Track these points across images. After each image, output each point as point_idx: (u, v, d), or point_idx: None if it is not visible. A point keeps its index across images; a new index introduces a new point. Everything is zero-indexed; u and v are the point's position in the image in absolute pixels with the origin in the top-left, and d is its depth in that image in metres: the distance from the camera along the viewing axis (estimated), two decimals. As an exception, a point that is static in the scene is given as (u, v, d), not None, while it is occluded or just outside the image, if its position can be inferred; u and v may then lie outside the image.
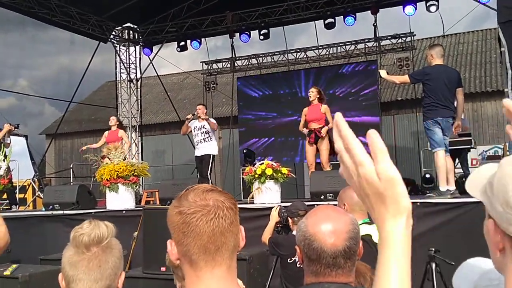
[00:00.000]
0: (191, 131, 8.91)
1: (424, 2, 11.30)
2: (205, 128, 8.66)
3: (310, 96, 7.84)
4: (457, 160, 7.81)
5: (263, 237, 4.18)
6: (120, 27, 13.84)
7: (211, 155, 8.66)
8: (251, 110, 13.75)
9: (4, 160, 7.97)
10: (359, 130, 1.23)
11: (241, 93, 13.89)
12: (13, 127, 8.84)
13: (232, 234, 1.21)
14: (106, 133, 9.70)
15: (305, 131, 7.84)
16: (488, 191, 0.87)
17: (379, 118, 12.43)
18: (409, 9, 11.43)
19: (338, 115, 0.85)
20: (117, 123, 9.70)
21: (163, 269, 4.58)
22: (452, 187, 5.74)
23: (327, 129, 7.50)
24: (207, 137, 8.69)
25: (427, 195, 6.36)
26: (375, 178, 0.81)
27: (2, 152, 8.02)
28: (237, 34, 13.15)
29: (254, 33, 12.94)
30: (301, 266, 1.74)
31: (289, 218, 4.00)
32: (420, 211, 5.36)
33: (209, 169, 8.57)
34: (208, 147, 8.67)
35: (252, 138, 13.62)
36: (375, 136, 0.81)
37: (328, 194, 6.21)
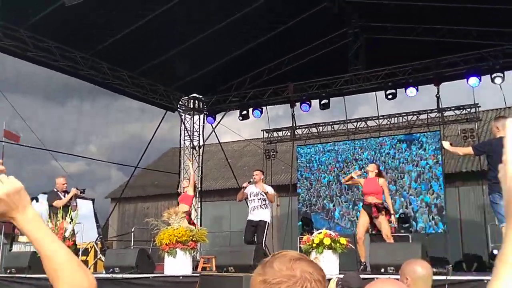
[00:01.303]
0: (247, 197, 8.91)
1: (489, 74, 11.16)
2: (262, 195, 8.64)
3: (369, 173, 7.89)
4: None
5: None
6: (186, 97, 14.51)
7: (267, 222, 8.59)
8: (310, 178, 13.72)
9: (70, 223, 8.28)
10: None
11: (300, 161, 13.95)
12: (79, 192, 9.23)
13: None
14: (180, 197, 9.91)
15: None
16: None
17: (443, 190, 12.04)
18: (473, 80, 11.25)
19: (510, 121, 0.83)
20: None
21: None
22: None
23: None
24: (263, 204, 8.66)
25: (495, 273, 6.00)
26: None
27: (69, 215, 8.34)
28: (297, 104, 13.41)
29: (315, 102, 13.14)
30: None
31: None
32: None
33: (264, 237, 8.49)
34: (264, 213, 8.63)
35: (311, 207, 13.51)
36: None
37: (389, 267, 6.00)
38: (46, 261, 1.16)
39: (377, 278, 2.27)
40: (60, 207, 8.39)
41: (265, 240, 8.51)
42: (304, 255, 1.23)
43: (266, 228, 8.55)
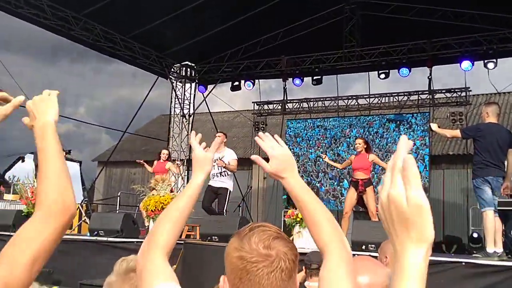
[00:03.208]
0: None
1: (482, 59, 11.20)
2: (222, 160, 8.15)
3: (357, 148, 7.92)
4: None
5: None
6: (178, 64, 14.40)
7: (228, 190, 8.30)
8: (298, 153, 13.79)
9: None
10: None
11: (289, 135, 13.99)
12: (64, 153, 9.22)
13: (289, 287, 1.20)
14: (155, 162, 9.96)
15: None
16: None
17: (428, 172, 12.18)
18: (465, 64, 11.30)
19: (403, 138, 0.87)
20: (167, 156, 9.98)
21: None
22: (500, 249, 5.53)
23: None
24: (224, 171, 8.26)
25: (473, 255, 6.15)
26: (404, 202, 0.81)
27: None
28: (290, 78, 13.37)
29: (307, 79, 13.14)
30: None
31: (303, 268, 3.88)
32: (465, 271, 5.18)
33: (225, 205, 8.27)
34: (224, 181, 8.31)
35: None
36: (411, 162, 0.81)
37: (370, 245, 6.09)
38: (38, 172, 1.23)
39: (356, 255, 2.32)
40: None
41: (226, 208, 8.33)
42: (281, 232, 1.26)
43: (227, 196, 8.29)
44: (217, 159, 7.88)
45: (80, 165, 13.48)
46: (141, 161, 10.53)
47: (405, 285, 0.81)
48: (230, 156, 8.35)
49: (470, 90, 12.33)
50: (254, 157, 1.61)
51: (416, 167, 0.81)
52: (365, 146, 7.89)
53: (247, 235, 1.21)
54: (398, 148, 0.85)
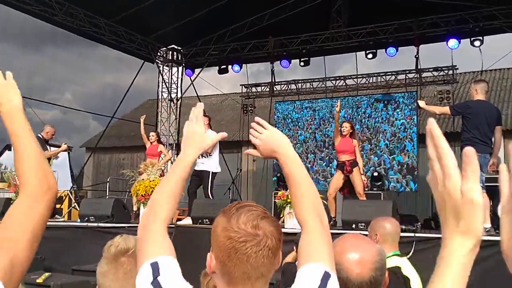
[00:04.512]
0: None
1: (469, 37, 11.23)
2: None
3: (343, 131, 7.99)
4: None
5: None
6: (164, 48, 14.25)
7: (210, 172, 8.22)
8: (287, 135, 13.80)
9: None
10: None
11: (278, 117, 13.99)
12: (68, 149, 9.17)
13: (274, 265, 1.25)
14: (149, 143, 9.82)
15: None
16: None
17: (416, 150, 12.26)
18: (452, 42, 11.34)
19: (432, 122, 0.87)
20: (157, 138, 9.89)
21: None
22: (488, 224, 5.62)
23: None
24: (205, 153, 7.96)
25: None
26: (458, 194, 0.81)
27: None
28: (277, 60, 13.32)
29: (295, 60, 13.11)
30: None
31: (294, 248, 3.89)
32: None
33: (210, 188, 8.21)
34: (206, 163, 8.21)
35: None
36: (472, 156, 0.82)
37: (360, 224, 6.15)
38: (15, 155, 1.26)
39: (346, 233, 2.34)
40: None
41: (211, 190, 8.27)
42: (267, 212, 1.30)
43: (210, 179, 8.22)
44: None
45: (69, 152, 13.40)
46: (143, 121, 10.06)
47: (446, 272, 0.83)
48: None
49: (457, 68, 12.38)
50: (246, 152, 1.64)
51: (476, 160, 0.81)
52: (351, 131, 8.01)
53: (234, 215, 1.24)
54: (435, 135, 0.85)
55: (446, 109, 6.26)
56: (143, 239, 1.37)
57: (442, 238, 0.85)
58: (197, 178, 8.32)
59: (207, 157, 8.21)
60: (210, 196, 8.24)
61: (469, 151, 0.81)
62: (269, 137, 1.53)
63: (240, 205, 1.28)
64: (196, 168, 8.26)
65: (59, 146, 9.50)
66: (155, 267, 1.26)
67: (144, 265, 1.28)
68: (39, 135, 8.78)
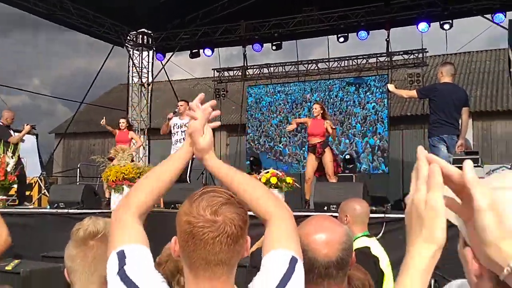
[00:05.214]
0: (171, 130, 8.51)
1: (438, 21, 11.35)
2: (187, 127, 8.03)
3: (314, 112, 8.02)
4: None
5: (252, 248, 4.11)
6: (134, 32, 14.01)
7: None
8: (260, 119, 13.79)
9: (12, 157, 8.05)
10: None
11: (251, 101, 13.96)
12: (32, 128, 8.95)
13: (235, 251, 1.23)
14: (117, 131, 9.74)
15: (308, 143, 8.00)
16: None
17: (387, 133, 12.42)
18: (422, 25, 11.45)
19: (421, 149, 0.90)
20: (127, 125, 9.79)
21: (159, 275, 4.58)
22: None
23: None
24: (184, 138, 8.09)
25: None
26: (423, 204, 0.85)
27: (11, 149, 8.11)
28: (250, 44, 13.25)
29: (267, 44, 13.06)
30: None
31: None
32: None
33: (189, 172, 8.17)
34: None
35: (259, 147, 13.66)
36: (436, 170, 0.85)
37: (331, 206, 6.20)
38: None
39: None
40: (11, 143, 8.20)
41: (189, 175, 8.23)
42: (233, 197, 1.28)
43: (190, 164, 8.04)
44: (184, 125, 7.97)
45: (37, 138, 13.14)
46: (104, 124, 10.25)
47: (408, 273, 0.86)
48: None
49: (427, 51, 12.54)
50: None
51: (441, 176, 0.85)
52: (321, 112, 8.01)
53: (197, 200, 1.23)
54: (419, 158, 0.89)
55: (413, 93, 6.34)
56: (113, 227, 1.36)
57: (406, 247, 0.89)
58: None
59: None
60: (188, 180, 8.20)
61: (434, 167, 0.86)
62: (209, 138, 1.56)
63: (205, 190, 1.26)
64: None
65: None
66: (121, 257, 1.25)
67: (112, 254, 1.27)
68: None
